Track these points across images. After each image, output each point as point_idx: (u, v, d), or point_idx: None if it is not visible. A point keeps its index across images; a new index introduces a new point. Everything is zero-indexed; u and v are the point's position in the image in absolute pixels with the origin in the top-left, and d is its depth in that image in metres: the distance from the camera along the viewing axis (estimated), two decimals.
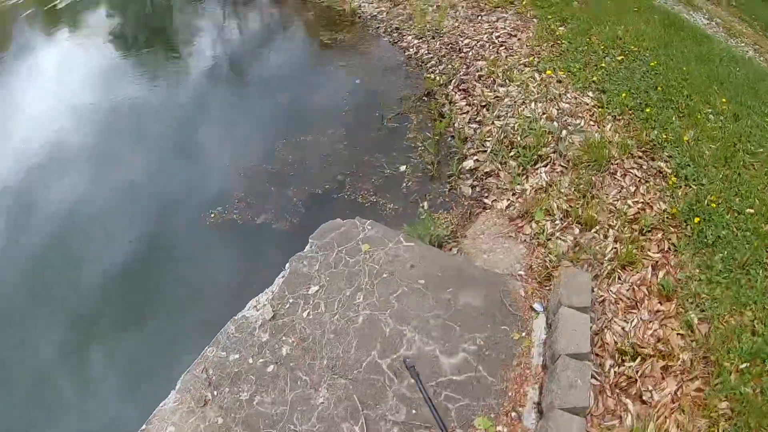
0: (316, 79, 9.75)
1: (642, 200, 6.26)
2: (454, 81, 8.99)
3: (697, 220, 5.82)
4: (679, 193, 6.24)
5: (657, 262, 5.59)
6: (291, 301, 5.27)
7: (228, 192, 7.26)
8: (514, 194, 6.62)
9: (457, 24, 10.47)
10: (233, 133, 8.51)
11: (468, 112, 8.28)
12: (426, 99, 8.96)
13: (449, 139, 7.96)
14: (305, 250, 5.67)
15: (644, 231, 5.88)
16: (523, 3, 10.63)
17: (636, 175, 6.57)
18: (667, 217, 6.00)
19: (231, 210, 7.01)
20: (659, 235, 5.85)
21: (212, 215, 6.96)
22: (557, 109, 7.61)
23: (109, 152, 8.39)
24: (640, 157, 6.81)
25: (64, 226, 7.13)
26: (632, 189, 6.39)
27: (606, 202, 6.17)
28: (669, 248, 5.72)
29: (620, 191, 6.35)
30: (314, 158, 7.71)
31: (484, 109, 8.14)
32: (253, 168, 7.63)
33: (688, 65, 8.36)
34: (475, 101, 8.39)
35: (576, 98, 7.84)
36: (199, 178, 7.68)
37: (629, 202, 6.22)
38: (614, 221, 5.99)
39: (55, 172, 8.04)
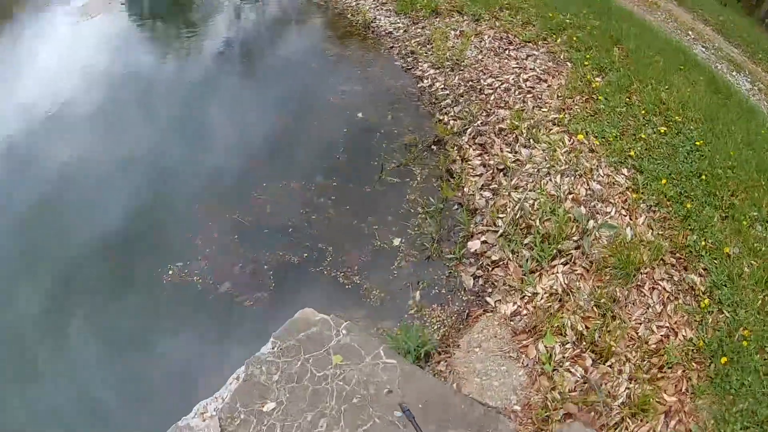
0: (314, 107, 9.10)
1: (668, 324, 5.79)
2: (470, 130, 8.43)
3: (723, 360, 5.35)
4: (710, 321, 5.77)
5: (671, 407, 5.14)
6: (242, 417, 4.76)
7: (192, 243, 6.68)
8: (522, 297, 6.10)
9: (480, 57, 9.89)
10: (207, 168, 7.84)
11: (482, 174, 7.72)
12: (435, 148, 8.36)
13: (455, 207, 7.38)
14: (265, 351, 5.14)
15: (664, 368, 5.40)
16: (557, 41, 10.06)
17: (665, 290, 6.08)
18: (691, 350, 5.53)
19: (192, 268, 6.43)
20: (679, 372, 5.39)
21: (170, 272, 6.40)
22: (586, 189, 7.07)
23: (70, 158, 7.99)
24: (672, 265, 6.32)
25: None
26: (659, 308, 5.90)
27: (628, 326, 5.67)
28: (687, 389, 5.28)
29: (645, 312, 5.85)
30: (295, 214, 7.09)
31: (501, 174, 7.60)
32: (224, 216, 7.01)
33: (735, 148, 7.84)
34: (491, 162, 7.84)
35: (609, 175, 7.30)
36: (163, 218, 7.12)
37: (653, 326, 5.74)
38: (633, 353, 5.50)
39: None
